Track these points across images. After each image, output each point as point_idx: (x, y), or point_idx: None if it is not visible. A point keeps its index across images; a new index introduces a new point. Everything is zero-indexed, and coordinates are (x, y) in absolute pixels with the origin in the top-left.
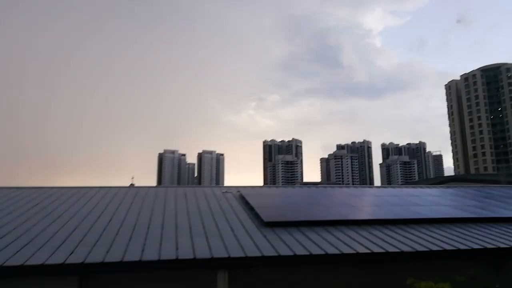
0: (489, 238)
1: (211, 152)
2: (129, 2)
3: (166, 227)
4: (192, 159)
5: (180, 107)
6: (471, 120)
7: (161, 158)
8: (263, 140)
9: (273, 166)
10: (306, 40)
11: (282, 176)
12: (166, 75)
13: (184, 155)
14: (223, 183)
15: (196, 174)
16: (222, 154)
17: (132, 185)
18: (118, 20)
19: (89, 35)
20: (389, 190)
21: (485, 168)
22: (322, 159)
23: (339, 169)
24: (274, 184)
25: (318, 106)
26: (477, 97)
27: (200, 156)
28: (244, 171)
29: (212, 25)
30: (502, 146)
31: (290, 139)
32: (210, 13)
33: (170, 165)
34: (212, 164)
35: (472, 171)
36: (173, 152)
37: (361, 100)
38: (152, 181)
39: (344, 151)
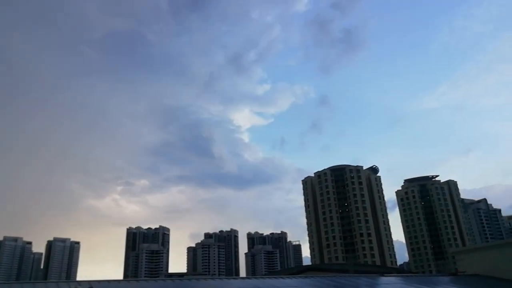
0: None
1: (64, 240)
2: None
3: None
4: (40, 248)
5: (31, 188)
6: (324, 213)
7: None
8: (128, 227)
9: (136, 256)
10: (179, 129)
11: (145, 267)
12: (16, 151)
13: (30, 243)
14: (75, 276)
15: (42, 266)
16: (78, 242)
17: None
18: None
19: None
20: (253, 282)
21: (336, 258)
22: (189, 248)
23: (206, 259)
24: (136, 276)
25: (188, 193)
26: (328, 192)
27: (50, 245)
28: (103, 262)
29: (81, 103)
30: (348, 237)
31: (157, 226)
32: (79, 91)
33: (10, 255)
34: (64, 253)
35: (326, 260)
36: (15, 239)
37: (230, 190)
38: None
39: (212, 240)
